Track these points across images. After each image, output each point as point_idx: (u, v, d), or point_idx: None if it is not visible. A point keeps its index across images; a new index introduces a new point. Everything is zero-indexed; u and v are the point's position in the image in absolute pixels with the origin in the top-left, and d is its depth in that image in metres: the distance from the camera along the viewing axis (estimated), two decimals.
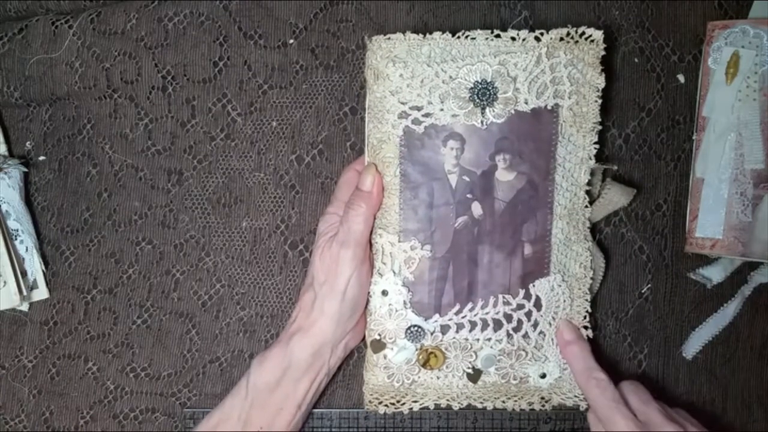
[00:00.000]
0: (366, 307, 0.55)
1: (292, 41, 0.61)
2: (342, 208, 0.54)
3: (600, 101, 0.53)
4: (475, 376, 0.55)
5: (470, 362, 0.55)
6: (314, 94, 0.61)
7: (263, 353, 0.55)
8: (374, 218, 0.53)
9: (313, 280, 0.54)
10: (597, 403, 0.52)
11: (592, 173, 0.55)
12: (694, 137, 0.59)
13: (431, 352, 0.55)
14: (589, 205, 0.55)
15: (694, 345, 0.60)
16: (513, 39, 0.51)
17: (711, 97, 0.57)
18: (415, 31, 0.51)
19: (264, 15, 0.60)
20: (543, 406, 0.57)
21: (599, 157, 0.55)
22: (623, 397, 0.52)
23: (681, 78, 0.61)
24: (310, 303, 0.54)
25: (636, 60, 0.60)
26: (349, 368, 0.59)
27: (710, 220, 0.57)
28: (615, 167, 0.57)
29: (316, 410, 0.59)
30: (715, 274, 0.60)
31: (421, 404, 0.56)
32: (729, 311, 0.60)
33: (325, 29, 0.61)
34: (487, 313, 0.54)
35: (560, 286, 0.55)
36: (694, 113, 0.59)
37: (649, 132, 0.61)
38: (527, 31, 0.51)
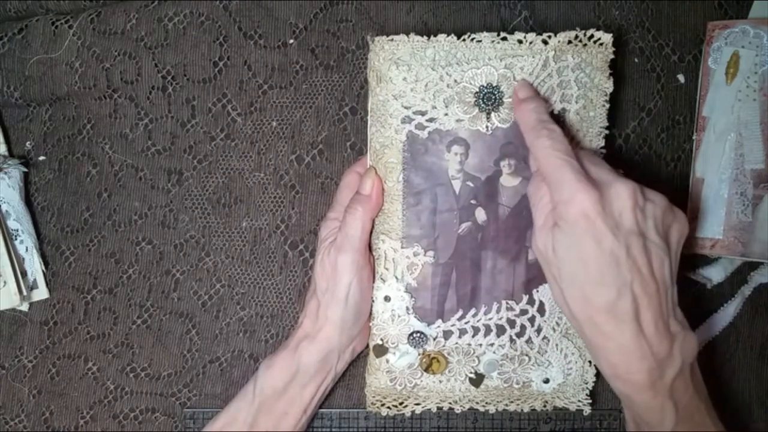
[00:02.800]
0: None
1: (292, 41, 0.61)
2: (342, 212, 0.53)
3: (607, 105, 0.52)
4: (477, 380, 0.55)
5: (473, 367, 0.55)
6: (314, 94, 0.61)
7: (271, 358, 0.55)
8: (373, 222, 0.53)
9: (316, 287, 0.54)
10: (546, 155, 0.45)
11: None
12: (694, 137, 0.59)
13: (434, 357, 0.54)
14: None
15: None
16: (520, 42, 0.50)
17: (711, 97, 0.57)
18: (416, 31, 0.50)
19: (264, 15, 0.60)
20: (544, 407, 0.57)
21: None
22: (577, 158, 0.45)
23: (681, 78, 0.61)
24: (315, 310, 0.54)
25: (636, 60, 0.60)
26: (349, 369, 0.59)
27: (710, 220, 0.57)
28: (620, 172, 0.57)
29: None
30: (715, 274, 0.60)
31: (423, 407, 0.56)
32: (729, 311, 0.60)
33: (325, 29, 0.61)
34: (490, 319, 0.54)
35: None
36: (694, 113, 0.59)
37: (649, 132, 0.61)
38: (534, 34, 0.50)
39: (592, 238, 0.43)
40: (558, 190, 0.44)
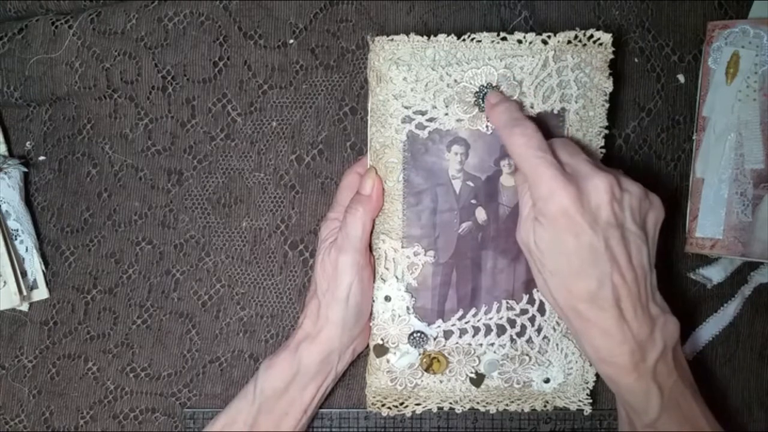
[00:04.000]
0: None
1: (292, 41, 0.61)
2: (343, 212, 0.53)
3: (607, 105, 0.52)
4: (478, 380, 0.55)
5: (473, 367, 0.55)
6: (314, 94, 0.61)
7: (271, 358, 0.55)
8: (374, 223, 0.53)
9: (317, 287, 0.53)
10: (521, 154, 0.46)
11: None
12: (694, 137, 0.59)
13: (434, 357, 0.54)
14: None
15: (694, 345, 0.60)
16: (519, 42, 0.50)
17: (711, 97, 0.57)
18: (416, 31, 0.51)
19: (264, 15, 0.60)
20: (544, 407, 0.57)
21: (604, 161, 0.55)
22: (552, 150, 0.46)
23: (681, 78, 0.61)
24: (315, 311, 0.54)
25: (636, 60, 0.60)
26: (349, 369, 0.59)
27: (710, 220, 0.57)
28: (620, 172, 0.57)
29: None
30: (715, 274, 0.60)
31: (423, 407, 0.56)
32: (729, 311, 0.60)
33: (325, 29, 0.61)
34: (490, 319, 0.54)
35: None
36: (694, 113, 0.59)
37: (649, 132, 0.61)
38: (534, 33, 0.50)
39: (572, 233, 0.44)
40: (536, 186, 0.45)
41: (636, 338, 0.45)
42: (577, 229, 0.44)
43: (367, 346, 0.56)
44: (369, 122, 0.53)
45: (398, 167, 0.52)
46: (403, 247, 0.53)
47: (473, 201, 0.52)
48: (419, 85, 0.51)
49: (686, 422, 0.47)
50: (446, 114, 0.51)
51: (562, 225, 0.44)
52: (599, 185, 0.44)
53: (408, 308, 0.54)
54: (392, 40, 0.50)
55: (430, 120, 0.51)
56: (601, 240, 0.44)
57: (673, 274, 0.61)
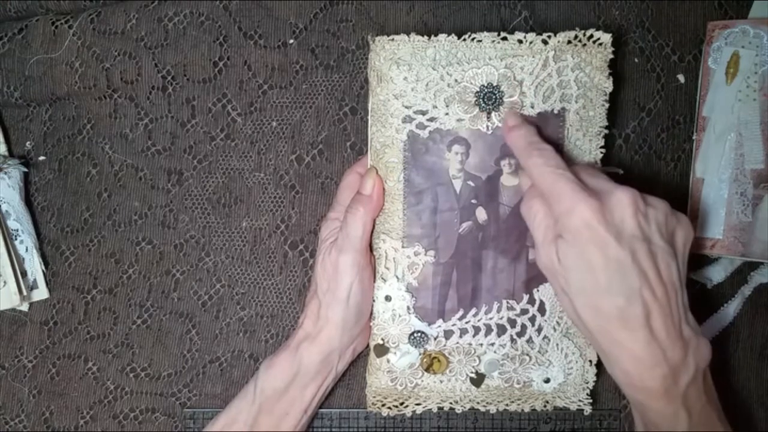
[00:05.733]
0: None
1: (292, 41, 0.61)
2: (343, 212, 0.53)
3: (607, 105, 0.52)
4: (478, 380, 0.55)
5: (474, 367, 0.55)
6: (314, 94, 0.61)
7: (271, 358, 0.55)
8: (374, 223, 0.53)
9: (317, 287, 0.53)
10: (540, 173, 0.46)
11: None
12: (694, 137, 0.59)
13: (434, 357, 0.54)
14: None
15: None
16: (520, 42, 0.50)
17: (711, 97, 0.57)
18: (416, 31, 0.51)
19: (264, 15, 0.60)
20: (545, 407, 0.57)
21: (603, 161, 0.55)
22: (572, 172, 0.46)
23: (681, 78, 0.61)
24: (315, 310, 0.54)
25: (636, 60, 0.60)
26: (349, 369, 0.59)
27: (710, 220, 0.57)
28: (620, 171, 0.57)
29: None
30: (715, 274, 0.60)
31: (424, 407, 0.56)
32: (729, 311, 0.60)
33: (325, 29, 0.61)
34: (491, 319, 0.54)
35: None
36: (694, 113, 0.59)
37: (649, 132, 0.61)
38: (534, 34, 0.50)
39: (596, 247, 0.43)
40: (558, 202, 0.45)
41: (668, 361, 0.44)
42: (602, 243, 0.43)
43: (368, 346, 0.56)
44: (369, 122, 0.53)
45: (399, 167, 0.52)
46: (403, 247, 0.53)
47: (474, 201, 0.52)
48: (420, 84, 0.51)
49: None
50: (447, 114, 0.51)
51: (587, 239, 0.43)
52: (622, 198, 0.43)
53: (408, 308, 0.54)
54: (393, 39, 0.50)
55: (431, 120, 0.51)
56: (627, 253, 0.42)
57: None
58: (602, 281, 0.43)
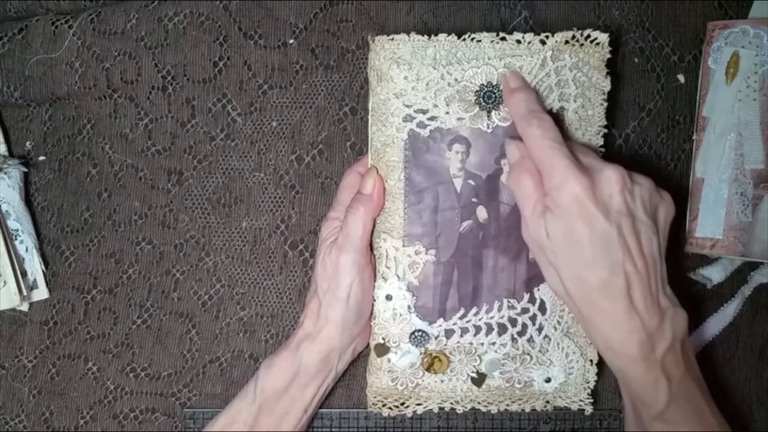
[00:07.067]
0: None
1: (292, 41, 0.61)
2: (344, 212, 0.54)
3: (605, 104, 0.53)
4: (479, 380, 0.55)
5: (475, 366, 0.55)
6: (314, 94, 0.61)
7: (271, 358, 0.55)
8: (374, 222, 0.53)
9: (317, 287, 0.53)
10: (537, 145, 0.47)
11: None
12: (694, 137, 0.59)
13: (435, 357, 0.54)
14: None
15: (694, 345, 0.60)
16: (518, 42, 0.51)
17: (711, 97, 0.58)
18: (416, 31, 0.51)
19: (264, 15, 0.60)
20: (545, 407, 0.57)
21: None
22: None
23: (681, 78, 0.61)
24: (315, 310, 0.54)
25: (636, 60, 0.60)
26: (349, 368, 0.59)
27: (710, 220, 0.57)
28: None
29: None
30: (715, 274, 0.60)
31: (425, 407, 0.56)
32: (729, 311, 0.60)
33: (325, 29, 0.61)
34: (491, 318, 0.54)
35: None
36: (694, 113, 0.59)
37: (649, 132, 0.61)
38: (532, 34, 0.51)
39: (585, 221, 0.45)
40: (550, 176, 0.46)
41: (646, 329, 0.46)
42: (590, 218, 0.45)
43: (368, 345, 0.56)
44: (370, 121, 0.53)
45: (399, 166, 0.52)
46: (404, 246, 0.53)
47: (474, 199, 0.53)
48: (420, 83, 0.51)
49: (693, 414, 0.47)
50: (447, 113, 0.51)
51: (576, 214, 0.45)
52: (611, 176, 0.45)
53: (409, 307, 0.54)
54: (392, 39, 0.50)
55: (431, 119, 0.51)
56: (613, 228, 0.45)
57: (673, 274, 0.61)
58: (588, 254, 0.45)
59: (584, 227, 0.45)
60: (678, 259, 0.61)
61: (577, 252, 0.46)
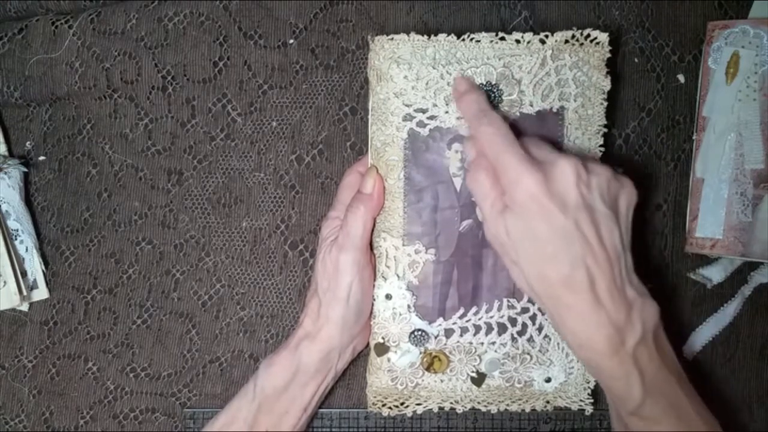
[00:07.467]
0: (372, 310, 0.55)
1: (292, 41, 0.61)
2: (344, 211, 0.54)
3: (605, 103, 0.53)
4: (479, 380, 0.55)
5: (474, 366, 0.55)
6: (314, 94, 0.61)
7: (271, 357, 0.55)
8: (375, 221, 0.53)
9: (317, 286, 0.54)
10: (489, 143, 0.47)
11: None
12: (694, 137, 0.59)
13: (435, 356, 0.54)
14: None
15: (694, 345, 0.60)
16: (518, 41, 0.51)
17: (711, 97, 0.58)
18: (416, 31, 0.51)
19: (264, 15, 0.60)
20: (545, 407, 0.57)
21: (604, 160, 0.55)
22: (521, 145, 0.46)
23: (681, 78, 0.61)
24: (315, 309, 0.54)
25: (636, 60, 0.60)
26: (349, 368, 0.59)
27: (710, 220, 0.57)
28: (620, 170, 0.57)
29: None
30: (715, 274, 0.60)
31: (424, 407, 0.56)
32: (729, 311, 0.60)
33: (325, 29, 0.61)
34: (491, 317, 0.54)
35: None
36: (694, 113, 0.59)
37: (649, 132, 0.61)
38: (532, 33, 0.51)
39: (542, 218, 0.44)
40: (504, 173, 0.46)
41: (613, 322, 0.45)
42: (547, 214, 0.44)
43: (368, 345, 0.56)
44: (370, 121, 0.53)
45: (399, 165, 0.52)
46: (404, 245, 0.53)
47: (474, 199, 0.53)
48: (420, 83, 0.51)
49: (671, 408, 0.47)
50: (447, 112, 0.51)
51: (533, 210, 0.44)
52: (565, 168, 0.45)
53: (409, 306, 0.54)
54: (392, 39, 0.51)
55: (431, 118, 0.52)
56: (571, 223, 0.44)
57: (673, 274, 0.61)
58: (548, 251, 0.45)
59: (542, 223, 0.44)
60: (678, 259, 0.61)
61: (538, 249, 0.45)
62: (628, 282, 0.46)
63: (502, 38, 0.51)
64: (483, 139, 0.47)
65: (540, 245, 0.45)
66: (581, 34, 0.51)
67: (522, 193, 0.44)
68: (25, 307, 0.62)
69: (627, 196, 0.47)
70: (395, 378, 0.55)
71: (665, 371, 0.47)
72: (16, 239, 0.61)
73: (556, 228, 0.44)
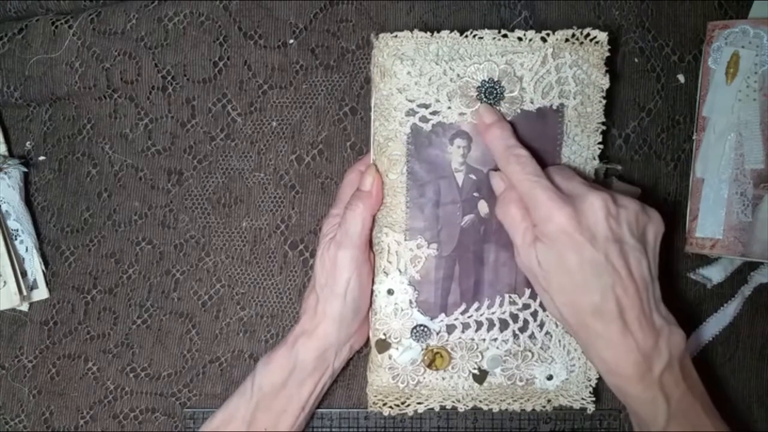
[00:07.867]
0: (370, 308, 0.55)
1: (292, 41, 0.61)
2: None
3: (604, 102, 0.53)
4: (480, 377, 0.55)
5: (476, 363, 0.55)
6: (314, 94, 0.61)
7: (268, 355, 0.55)
8: (373, 219, 0.53)
9: (315, 282, 0.54)
10: (518, 181, 0.49)
11: (596, 173, 0.55)
12: (694, 137, 0.59)
13: (437, 353, 0.54)
14: None
15: (694, 345, 0.60)
16: (520, 39, 0.52)
17: (711, 97, 0.58)
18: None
19: (264, 15, 0.60)
20: (545, 406, 0.57)
21: (602, 158, 0.55)
22: (548, 176, 0.49)
23: (681, 78, 0.61)
24: (313, 306, 0.54)
25: (636, 60, 0.60)
26: (349, 368, 0.59)
27: (710, 220, 0.57)
28: (619, 167, 0.57)
29: (316, 410, 0.59)
30: (715, 274, 0.60)
31: (426, 405, 0.56)
32: (729, 311, 0.60)
33: (325, 29, 0.61)
34: (493, 313, 0.54)
35: None
36: (694, 113, 0.59)
37: (649, 132, 0.61)
38: (533, 31, 0.52)
39: (573, 251, 0.46)
40: (535, 209, 0.48)
41: (641, 349, 0.47)
42: (577, 247, 0.46)
43: (366, 344, 0.56)
44: (372, 117, 0.53)
45: (402, 160, 0.52)
46: (406, 240, 0.53)
47: (476, 194, 0.53)
48: (423, 79, 0.51)
49: None
50: (449, 107, 0.52)
51: (564, 243, 0.46)
52: (594, 203, 0.46)
53: (411, 302, 0.54)
54: (396, 36, 0.51)
55: (434, 113, 0.52)
56: (601, 255, 0.46)
57: (673, 274, 0.61)
58: (579, 281, 0.47)
59: (573, 256, 0.46)
60: (678, 259, 0.61)
61: (568, 279, 0.47)
62: (656, 310, 0.48)
63: (505, 35, 0.52)
64: (512, 178, 0.50)
65: (570, 275, 0.47)
66: (581, 33, 0.52)
67: (553, 227, 0.46)
68: (25, 307, 0.62)
69: (655, 227, 0.49)
70: (396, 376, 0.55)
71: (690, 397, 0.48)
72: (16, 239, 0.61)
73: (586, 260, 0.46)
